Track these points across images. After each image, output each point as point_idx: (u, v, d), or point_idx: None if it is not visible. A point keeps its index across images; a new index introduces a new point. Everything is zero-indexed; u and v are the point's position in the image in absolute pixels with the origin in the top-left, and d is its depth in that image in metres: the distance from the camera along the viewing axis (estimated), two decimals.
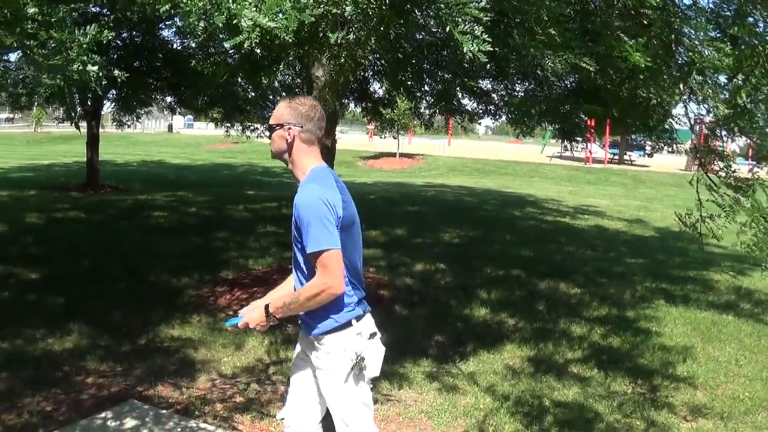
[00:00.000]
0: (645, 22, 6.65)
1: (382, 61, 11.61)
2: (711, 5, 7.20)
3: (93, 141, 22.96)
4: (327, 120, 10.00)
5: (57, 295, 9.88)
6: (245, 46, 4.42)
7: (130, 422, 5.99)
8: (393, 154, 45.82)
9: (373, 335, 4.25)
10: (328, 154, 10.18)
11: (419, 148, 53.49)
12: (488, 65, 9.10)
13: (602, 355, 8.46)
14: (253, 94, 19.40)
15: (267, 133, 4.26)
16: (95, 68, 3.69)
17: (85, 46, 3.64)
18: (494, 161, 47.02)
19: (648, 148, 63.94)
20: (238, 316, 4.40)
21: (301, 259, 4.20)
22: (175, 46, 20.31)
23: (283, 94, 16.94)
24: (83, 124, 23.79)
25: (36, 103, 25.62)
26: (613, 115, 9.53)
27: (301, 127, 4.18)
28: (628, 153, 57.31)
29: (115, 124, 25.25)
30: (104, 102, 23.45)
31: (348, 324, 4.14)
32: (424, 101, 12.23)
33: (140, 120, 25.19)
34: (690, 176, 6.74)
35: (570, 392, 7.27)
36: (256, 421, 6.23)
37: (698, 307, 10.96)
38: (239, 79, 16.96)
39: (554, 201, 26.29)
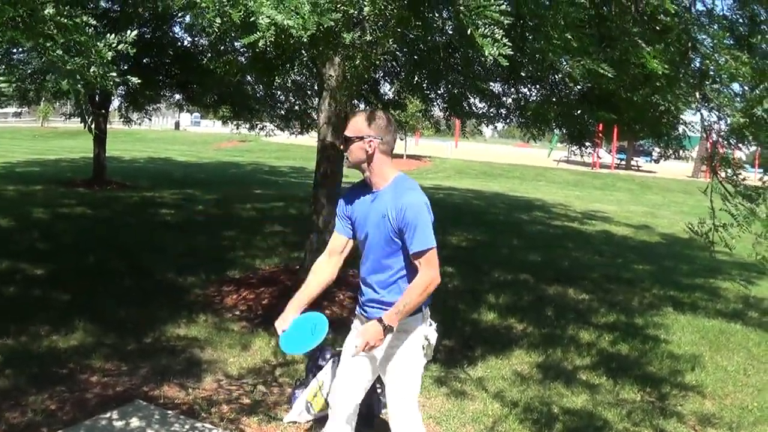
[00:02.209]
0: (657, 27, 6.59)
1: (394, 62, 11.50)
2: (725, 12, 7.16)
3: (100, 137, 22.88)
4: (339, 121, 9.99)
5: (62, 292, 9.83)
6: (260, 44, 4.41)
7: (135, 423, 5.91)
8: (400, 156, 45.68)
9: (431, 323, 4.72)
10: (338, 154, 10.13)
11: (426, 150, 53.41)
12: (500, 68, 9.04)
13: (611, 362, 8.43)
14: (261, 92, 19.36)
15: (342, 146, 4.60)
16: (114, 74, 3.64)
17: (105, 57, 3.59)
18: (501, 165, 46.95)
19: (655, 154, 63.70)
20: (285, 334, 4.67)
21: (392, 258, 4.58)
22: (185, 43, 20.20)
23: (290, 93, 16.89)
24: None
25: (43, 99, 25.50)
26: (625, 121, 9.46)
27: (381, 139, 4.51)
28: (635, 158, 57.18)
29: (123, 120, 25.18)
30: (112, 99, 23.41)
31: (419, 310, 4.59)
32: (437, 104, 12.11)
33: (149, 117, 24.95)
34: (697, 183, 6.71)
35: (579, 399, 7.22)
36: (263, 424, 6.15)
37: (706, 315, 10.96)
38: (249, 78, 16.90)
39: (562, 206, 26.28)
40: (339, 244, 4.88)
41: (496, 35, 4.52)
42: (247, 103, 19.93)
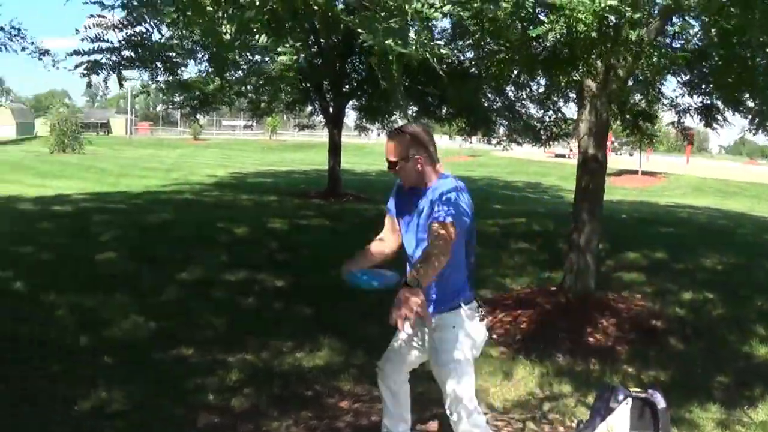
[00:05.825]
0: None
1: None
2: None
3: (335, 148, 22.88)
4: (601, 132, 9.17)
5: (305, 305, 9.54)
6: (549, 37, 3.88)
7: None
8: (635, 172, 44.49)
9: (479, 318, 4.97)
10: (600, 167, 9.54)
11: (657, 166, 51.73)
12: None
13: None
14: (499, 104, 18.83)
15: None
16: (441, 42, 3.11)
17: (434, 18, 3.08)
18: (738, 182, 44.98)
19: None
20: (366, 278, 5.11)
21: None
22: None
23: (536, 103, 16.20)
24: (324, 132, 23.71)
25: (275, 110, 25.80)
26: None
27: (426, 153, 4.80)
28: None
29: (357, 131, 25.28)
30: (345, 110, 23.41)
31: (458, 305, 4.82)
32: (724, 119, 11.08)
33: (383, 128, 24.65)
34: None
35: None
36: None
37: None
38: (486, 89, 16.38)
39: None
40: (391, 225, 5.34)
41: None
42: (486, 114, 19.36)
